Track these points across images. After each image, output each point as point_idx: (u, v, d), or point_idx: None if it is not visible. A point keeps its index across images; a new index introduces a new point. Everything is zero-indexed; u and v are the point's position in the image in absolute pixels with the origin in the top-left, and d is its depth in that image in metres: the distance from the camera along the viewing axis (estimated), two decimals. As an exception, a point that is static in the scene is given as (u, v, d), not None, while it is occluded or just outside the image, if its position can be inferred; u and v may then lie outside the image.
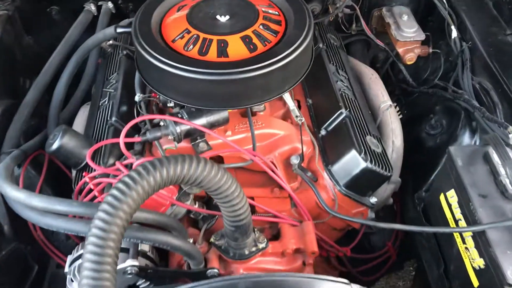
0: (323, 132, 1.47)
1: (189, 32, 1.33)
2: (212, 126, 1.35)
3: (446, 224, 1.27)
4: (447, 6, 1.79)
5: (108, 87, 1.56)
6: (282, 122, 1.49)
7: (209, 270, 1.25)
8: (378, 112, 1.56)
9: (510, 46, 1.63)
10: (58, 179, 1.57)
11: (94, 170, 1.27)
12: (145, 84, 1.46)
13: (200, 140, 1.38)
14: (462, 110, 1.60)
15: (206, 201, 1.39)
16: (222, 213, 1.17)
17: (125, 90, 1.53)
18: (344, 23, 1.96)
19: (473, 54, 1.68)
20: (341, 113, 1.45)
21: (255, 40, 1.32)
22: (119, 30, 1.44)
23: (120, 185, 0.95)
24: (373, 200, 1.41)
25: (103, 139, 1.39)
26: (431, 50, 1.82)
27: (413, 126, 1.73)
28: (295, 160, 1.41)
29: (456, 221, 1.23)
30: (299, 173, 1.39)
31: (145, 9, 1.40)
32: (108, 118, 1.43)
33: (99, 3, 1.82)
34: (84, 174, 1.29)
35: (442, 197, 1.30)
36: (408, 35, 1.79)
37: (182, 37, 1.33)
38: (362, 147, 1.34)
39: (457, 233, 1.22)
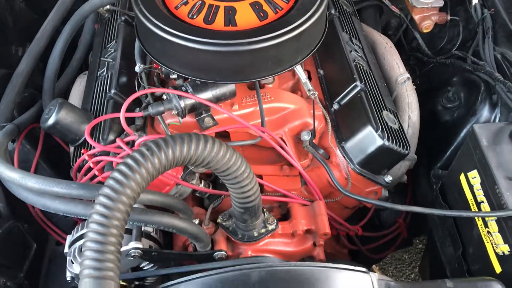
0: (335, 106, 1.38)
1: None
2: (218, 100, 1.27)
3: (466, 205, 1.21)
4: (467, -31, 1.67)
5: (106, 56, 1.45)
6: (292, 95, 1.40)
7: (217, 252, 1.19)
8: (394, 84, 1.47)
9: (536, 14, 1.53)
10: (55, 153, 1.49)
11: (93, 147, 1.19)
12: (146, 53, 1.37)
13: (205, 115, 1.30)
14: (482, 83, 1.50)
15: (213, 180, 1.32)
16: (231, 195, 1.10)
17: (124, 60, 1.43)
18: (357, -13, 1.85)
19: (495, 22, 1.57)
20: (356, 85, 1.35)
21: (265, 6, 1.22)
22: (117, -5, 1.33)
23: (123, 168, 0.87)
24: (388, 178, 1.34)
25: (102, 113, 1.30)
26: (449, 18, 1.71)
27: (428, 98, 1.64)
28: (306, 136, 1.33)
29: (478, 203, 1.16)
30: (310, 150, 1.31)
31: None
32: (107, 91, 1.34)
33: (95, -36, 1.68)
34: (82, 151, 1.21)
35: (462, 177, 1.23)
36: (425, 1, 1.67)
37: (186, 3, 1.23)
38: (379, 124, 1.26)
39: (479, 218, 1.15)
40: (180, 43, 1.14)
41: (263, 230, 1.21)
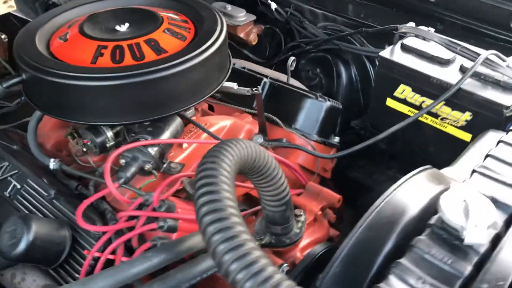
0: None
1: (105, 47, 1.11)
2: (175, 137, 1.18)
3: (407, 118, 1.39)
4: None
5: (5, 174, 1.15)
6: (217, 116, 1.39)
7: (281, 268, 1.07)
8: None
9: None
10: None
11: (94, 242, 0.94)
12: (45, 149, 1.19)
13: (167, 162, 1.17)
14: (326, 54, 1.78)
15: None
16: (268, 199, 1.03)
17: (30, 164, 1.17)
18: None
19: (302, 13, 1.90)
20: (265, 82, 1.44)
21: (178, 30, 1.20)
22: (6, 84, 1.08)
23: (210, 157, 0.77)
24: (337, 139, 1.45)
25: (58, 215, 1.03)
26: (263, 27, 1.97)
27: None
28: (260, 139, 1.33)
29: (419, 107, 1.37)
30: (276, 144, 1.32)
31: (22, 47, 1.11)
32: (46, 194, 1.07)
33: None
34: (85, 252, 0.93)
35: (389, 101, 1.43)
36: (242, 19, 1.89)
37: (102, 55, 1.10)
38: (312, 94, 1.38)
39: (426, 117, 1.36)
40: (125, 83, 1.02)
41: (299, 224, 1.15)
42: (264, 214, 1.08)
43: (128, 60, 1.09)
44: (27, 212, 1.07)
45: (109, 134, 1.16)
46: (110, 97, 1.04)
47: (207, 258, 0.85)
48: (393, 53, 1.40)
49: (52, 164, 1.15)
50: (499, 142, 0.98)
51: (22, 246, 0.88)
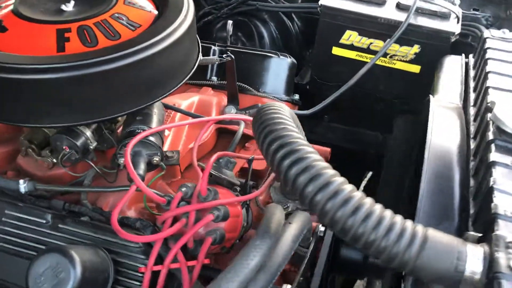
0: (214, 78, 1.34)
1: (68, 30, 0.91)
2: (162, 122, 1.05)
3: (360, 64, 1.41)
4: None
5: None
6: (182, 94, 1.27)
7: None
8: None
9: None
10: None
11: (140, 256, 0.79)
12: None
13: (164, 152, 1.04)
14: (244, 17, 1.72)
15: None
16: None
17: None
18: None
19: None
20: (214, 49, 1.36)
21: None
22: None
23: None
24: (297, 96, 1.43)
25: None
26: None
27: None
28: (233, 110, 1.25)
29: (369, 49, 1.42)
30: (254, 112, 1.25)
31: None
32: (43, 222, 0.86)
33: None
34: (141, 270, 0.77)
35: (335, 49, 1.45)
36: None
37: (68, 40, 0.90)
38: (272, 52, 1.33)
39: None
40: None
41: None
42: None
43: (103, 41, 0.91)
44: (19, 250, 0.84)
45: (88, 133, 0.97)
46: (105, 85, 0.86)
47: (291, 227, 0.78)
48: (332, 1, 1.42)
49: (23, 186, 0.92)
50: (487, 59, 1.07)
51: (70, 284, 0.69)
